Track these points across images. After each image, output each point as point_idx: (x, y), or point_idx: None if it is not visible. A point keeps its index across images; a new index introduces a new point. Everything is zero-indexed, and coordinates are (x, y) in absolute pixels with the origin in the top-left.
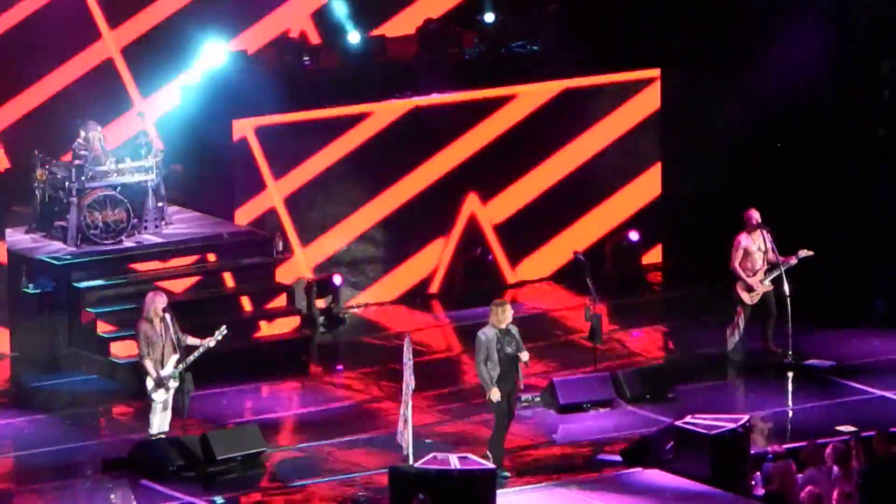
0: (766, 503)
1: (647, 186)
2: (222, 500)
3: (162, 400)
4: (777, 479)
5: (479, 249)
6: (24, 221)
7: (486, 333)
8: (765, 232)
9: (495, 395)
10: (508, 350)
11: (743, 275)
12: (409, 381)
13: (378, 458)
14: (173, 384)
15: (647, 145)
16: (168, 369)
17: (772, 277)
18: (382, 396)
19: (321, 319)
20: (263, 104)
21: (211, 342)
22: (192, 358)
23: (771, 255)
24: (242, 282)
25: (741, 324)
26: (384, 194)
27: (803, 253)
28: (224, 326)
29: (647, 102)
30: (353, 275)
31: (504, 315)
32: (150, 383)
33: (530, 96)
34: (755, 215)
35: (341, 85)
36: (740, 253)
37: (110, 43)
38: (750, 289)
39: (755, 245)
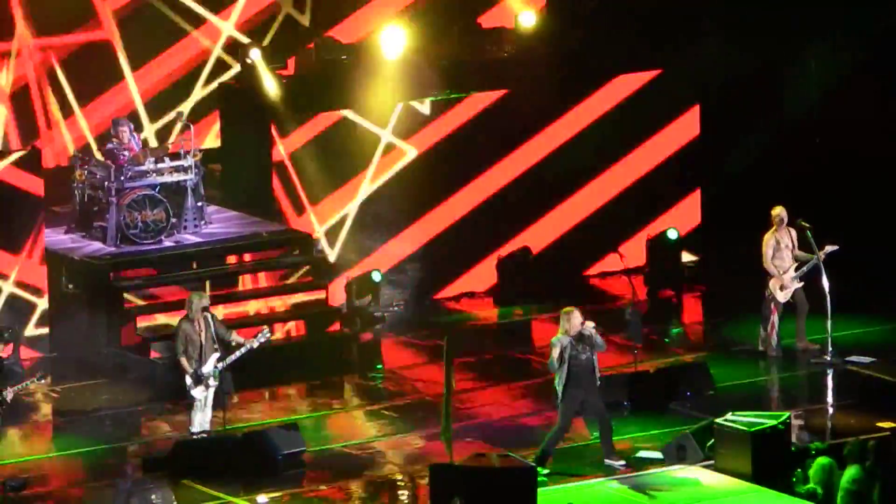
0: (808, 500)
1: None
2: (264, 500)
3: (201, 397)
4: (818, 475)
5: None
6: (63, 222)
7: (561, 341)
8: (790, 229)
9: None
10: (583, 357)
11: (776, 272)
12: (450, 380)
13: (419, 457)
14: (213, 382)
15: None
16: (208, 367)
17: (801, 274)
18: (422, 395)
19: (360, 318)
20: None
21: (254, 343)
22: (233, 357)
23: (798, 252)
24: (282, 280)
25: (776, 321)
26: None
27: (829, 247)
28: (267, 329)
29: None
30: (392, 273)
31: (570, 322)
32: (188, 380)
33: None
34: (783, 213)
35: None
36: (771, 250)
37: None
38: (783, 286)
39: (783, 242)
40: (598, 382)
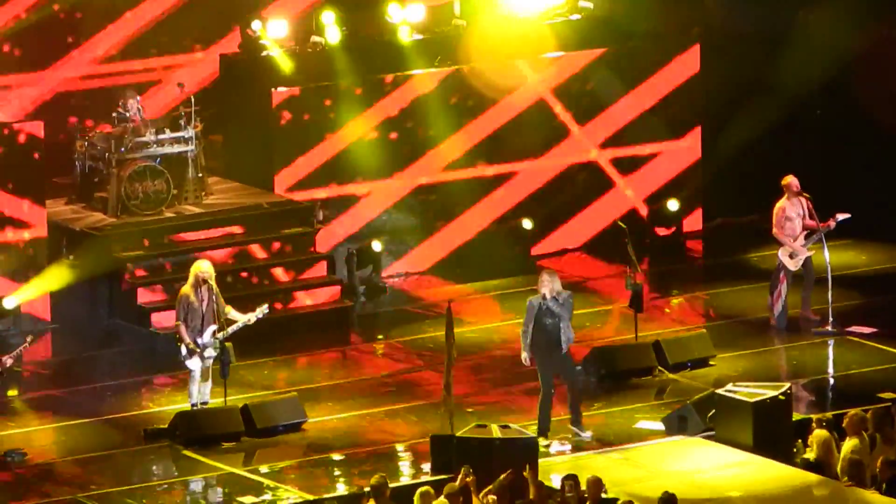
0: (808, 470)
1: (686, 151)
2: (265, 470)
3: (196, 368)
4: (818, 446)
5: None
6: (64, 193)
7: (532, 301)
8: (803, 198)
9: (522, 357)
10: (547, 321)
11: (787, 241)
12: (450, 350)
13: (419, 428)
14: (211, 353)
15: (686, 109)
16: (206, 338)
17: (812, 243)
18: (423, 366)
19: (361, 289)
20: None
21: (252, 318)
22: (230, 330)
23: (809, 221)
24: (282, 251)
25: (784, 290)
26: (423, 162)
27: (840, 216)
28: (266, 305)
29: (687, 65)
30: (392, 244)
31: (539, 284)
32: (183, 350)
33: (569, 60)
34: (795, 182)
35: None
36: (781, 219)
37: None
38: (793, 255)
39: (795, 211)
40: (564, 349)
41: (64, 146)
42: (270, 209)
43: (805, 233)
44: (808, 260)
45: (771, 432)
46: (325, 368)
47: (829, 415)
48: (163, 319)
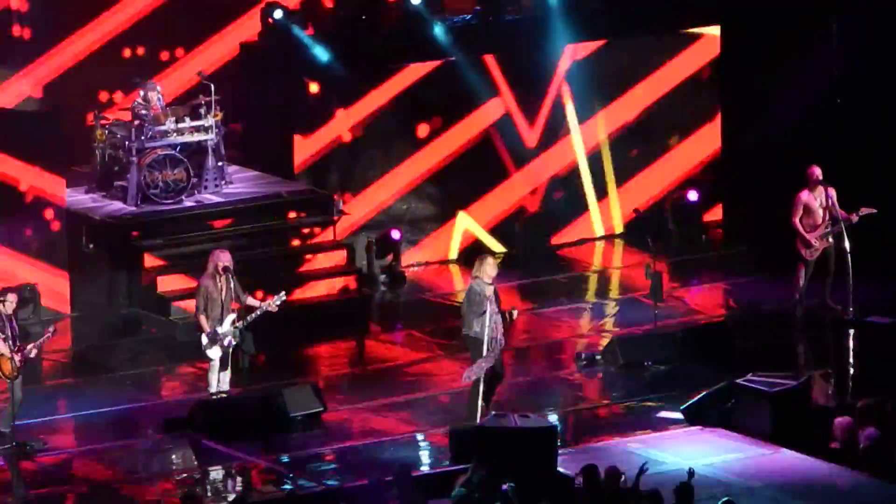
0: (829, 460)
1: (706, 141)
2: (286, 460)
3: (217, 357)
4: (839, 435)
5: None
6: (84, 181)
7: (483, 288)
8: (827, 188)
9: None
10: (492, 310)
11: (803, 231)
12: (499, 336)
13: (437, 417)
14: (230, 342)
15: (706, 99)
16: (225, 327)
17: (833, 234)
18: (441, 356)
19: (381, 278)
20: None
21: (270, 306)
22: (249, 319)
23: (833, 212)
24: (302, 240)
25: (802, 280)
26: (441, 149)
27: (865, 210)
28: (283, 292)
29: (706, 53)
30: (412, 233)
31: (485, 268)
32: (204, 339)
33: (583, 50)
34: (817, 171)
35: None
36: (801, 209)
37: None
38: (810, 245)
39: (817, 201)
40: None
41: (84, 134)
42: (290, 198)
43: (827, 223)
44: (827, 250)
45: (790, 422)
46: (344, 358)
47: (848, 403)
48: (182, 308)
